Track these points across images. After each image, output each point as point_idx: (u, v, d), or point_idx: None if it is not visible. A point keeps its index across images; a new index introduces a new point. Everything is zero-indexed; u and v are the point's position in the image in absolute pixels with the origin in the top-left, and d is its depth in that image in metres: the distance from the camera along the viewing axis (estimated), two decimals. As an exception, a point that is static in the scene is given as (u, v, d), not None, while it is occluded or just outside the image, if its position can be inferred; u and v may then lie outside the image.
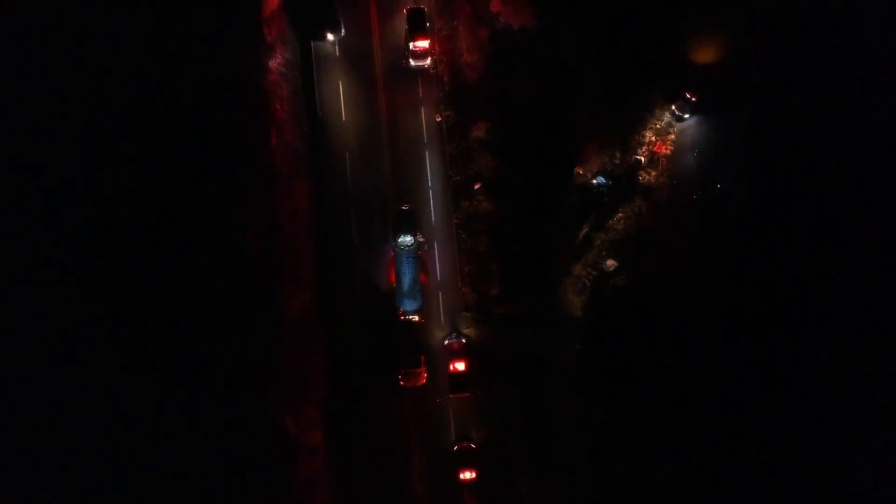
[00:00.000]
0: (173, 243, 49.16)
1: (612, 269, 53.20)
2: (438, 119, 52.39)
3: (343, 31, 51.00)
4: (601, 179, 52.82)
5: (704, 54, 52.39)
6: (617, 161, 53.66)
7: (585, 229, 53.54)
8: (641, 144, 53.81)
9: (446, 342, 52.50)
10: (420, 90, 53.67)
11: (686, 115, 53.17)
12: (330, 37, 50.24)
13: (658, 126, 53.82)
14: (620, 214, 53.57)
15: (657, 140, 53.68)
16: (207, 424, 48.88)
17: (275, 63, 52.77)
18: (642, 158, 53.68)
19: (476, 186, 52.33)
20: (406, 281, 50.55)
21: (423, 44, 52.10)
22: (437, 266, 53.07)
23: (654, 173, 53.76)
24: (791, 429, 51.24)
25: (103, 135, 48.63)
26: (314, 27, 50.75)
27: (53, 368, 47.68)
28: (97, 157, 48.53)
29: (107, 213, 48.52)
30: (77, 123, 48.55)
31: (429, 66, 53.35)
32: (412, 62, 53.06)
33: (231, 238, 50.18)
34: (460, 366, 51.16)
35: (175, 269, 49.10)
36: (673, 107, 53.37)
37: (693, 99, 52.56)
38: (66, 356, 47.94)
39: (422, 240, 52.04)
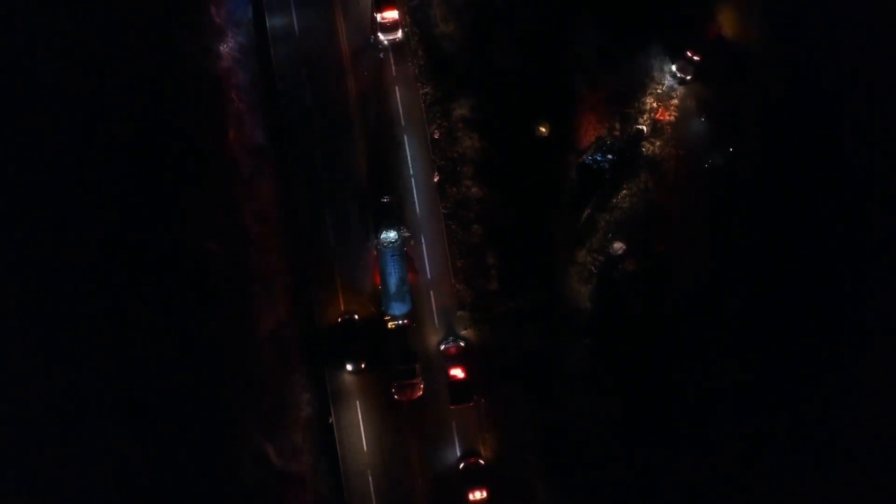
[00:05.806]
0: (123, 257, 47.24)
1: (619, 252, 51.36)
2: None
3: (363, 365, 49.56)
4: (597, 156, 51.38)
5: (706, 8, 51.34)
6: (617, 133, 52.29)
7: (587, 211, 51.75)
8: (642, 112, 52.58)
9: (443, 347, 50.19)
10: (392, 68, 52.20)
11: (689, 77, 52.11)
12: (349, 367, 49.44)
13: (659, 91, 52.65)
14: (625, 192, 51.91)
15: (659, 106, 52.34)
16: (174, 459, 46.65)
17: (226, 48, 51.92)
18: (644, 128, 52.22)
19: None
20: (392, 282, 48.60)
21: (391, 15, 50.85)
22: (427, 262, 50.93)
23: (658, 143, 52.20)
24: (820, 424, 48.96)
25: (31, 132, 46.85)
26: (337, 361, 49.75)
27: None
28: (24, 160, 46.57)
29: (40, 225, 46.28)
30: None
31: (400, 40, 51.86)
32: (381, 36, 51.50)
33: (189, 247, 48.40)
34: (460, 372, 49.13)
35: (127, 286, 47.18)
36: (674, 68, 52.19)
37: (696, 58, 51.48)
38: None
39: (407, 234, 50.19)
